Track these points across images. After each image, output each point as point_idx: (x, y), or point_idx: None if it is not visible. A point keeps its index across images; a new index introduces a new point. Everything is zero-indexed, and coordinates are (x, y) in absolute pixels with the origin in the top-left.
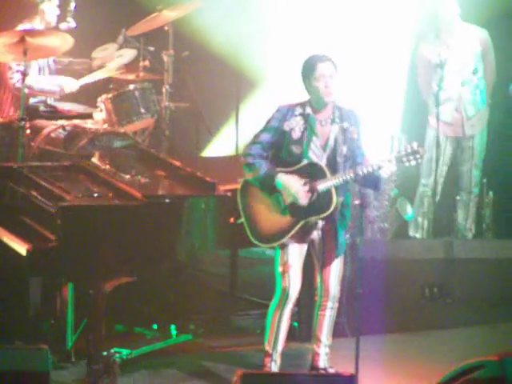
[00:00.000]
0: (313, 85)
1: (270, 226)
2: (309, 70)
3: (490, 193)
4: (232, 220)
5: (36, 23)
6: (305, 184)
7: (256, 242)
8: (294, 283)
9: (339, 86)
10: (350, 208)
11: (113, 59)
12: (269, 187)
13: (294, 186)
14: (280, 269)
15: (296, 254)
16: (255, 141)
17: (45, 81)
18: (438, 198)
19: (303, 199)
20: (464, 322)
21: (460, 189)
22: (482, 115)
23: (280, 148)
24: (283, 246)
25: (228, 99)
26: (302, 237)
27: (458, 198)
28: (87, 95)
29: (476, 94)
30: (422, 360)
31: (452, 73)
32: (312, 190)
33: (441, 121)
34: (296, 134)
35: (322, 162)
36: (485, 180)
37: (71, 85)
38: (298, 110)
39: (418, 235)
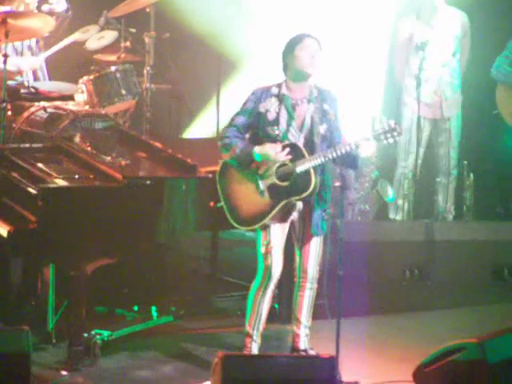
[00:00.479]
0: (297, 55)
1: (249, 209)
2: (295, 41)
3: (471, 175)
4: (212, 204)
5: (16, 7)
6: (282, 166)
7: (236, 225)
8: (276, 264)
9: (322, 65)
10: (329, 189)
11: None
12: (247, 163)
13: (270, 151)
14: (262, 250)
15: (278, 234)
16: (231, 124)
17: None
18: (415, 179)
19: (284, 158)
20: (444, 304)
21: (439, 171)
22: (458, 98)
23: (257, 130)
24: (265, 227)
25: (209, 81)
26: (282, 217)
27: (437, 180)
28: (69, 76)
29: (454, 77)
30: (403, 342)
31: (433, 54)
32: (290, 173)
33: (419, 101)
34: (271, 115)
35: (300, 143)
36: (465, 162)
37: (30, 63)
38: (273, 91)
39: (398, 217)
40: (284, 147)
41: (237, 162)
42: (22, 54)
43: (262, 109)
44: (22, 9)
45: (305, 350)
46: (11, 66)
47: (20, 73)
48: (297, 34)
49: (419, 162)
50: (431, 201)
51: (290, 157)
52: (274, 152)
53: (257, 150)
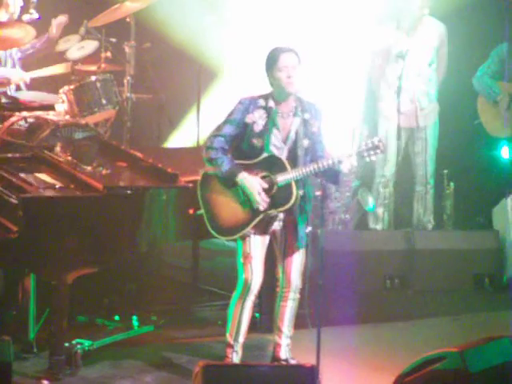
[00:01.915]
0: (275, 76)
1: (229, 219)
2: (272, 61)
3: (451, 184)
4: (191, 211)
5: (0, 15)
6: (264, 178)
7: (215, 235)
8: (255, 275)
9: (302, 78)
10: (310, 201)
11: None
12: (230, 184)
13: (254, 191)
14: (242, 260)
15: (258, 245)
16: (218, 133)
17: None
18: (394, 189)
19: (260, 206)
20: (425, 313)
21: (416, 181)
22: (435, 107)
23: (241, 140)
24: (245, 238)
25: (189, 90)
26: (263, 228)
27: (415, 189)
28: (49, 86)
29: (429, 86)
30: (384, 351)
31: (409, 63)
32: (271, 185)
33: (394, 110)
34: (258, 127)
35: (283, 155)
36: (446, 171)
37: (18, 76)
38: (261, 103)
39: (378, 227)
40: (267, 159)
41: (219, 178)
42: (5, 64)
43: (248, 120)
44: (6, 18)
45: (286, 360)
46: (0, 77)
47: (9, 83)
48: (273, 49)
49: (394, 170)
50: (410, 210)
51: (266, 203)
52: (257, 191)
53: (242, 176)
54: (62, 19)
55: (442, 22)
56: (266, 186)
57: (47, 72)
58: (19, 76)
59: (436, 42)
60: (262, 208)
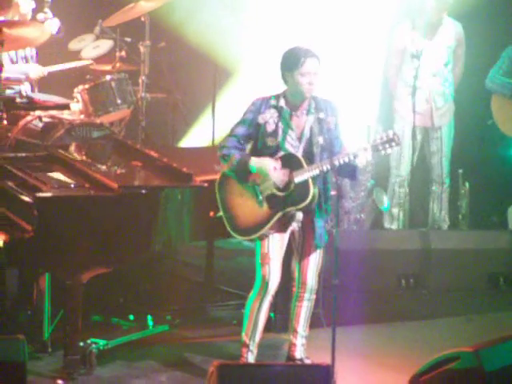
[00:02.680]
0: (296, 79)
1: (247, 219)
2: (294, 64)
3: (466, 183)
4: (211, 214)
5: (11, 16)
6: (281, 169)
7: (235, 235)
8: (273, 275)
9: (321, 83)
10: (330, 201)
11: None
12: (244, 174)
13: (269, 165)
14: (260, 260)
15: (276, 245)
16: (231, 134)
17: (9, 69)
18: (409, 188)
19: (278, 180)
20: (440, 313)
21: (431, 180)
22: (450, 107)
23: (256, 141)
24: (263, 238)
25: (204, 90)
26: (282, 228)
27: (430, 189)
28: (64, 86)
29: (445, 86)
30: (398, 351)
31: (425, 63)
32: (288, 183)
33: (409, 110)
34: (270, 127)
35: (299, 153)
36: (461, 171)
37: (37, 71)
38: (272, 102)
39: (393, 227)
40: (283, 157)
41: (234, 173)
42: (17, 63)
43: (261, 120)
44: (17, 18)
45: (301, 359)
46: (19, 73)
47: (28, 80)
48: (295, 49)
49: (410, 170)
50: (425, 210)
51: (286, 178)
52: (271, 167)
53: (253, 161)
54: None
55: (459, 22)
56: (278, 165)
57: (65, 66)
58: (38, 71)
59: (453, 42)
60: (279, 183)
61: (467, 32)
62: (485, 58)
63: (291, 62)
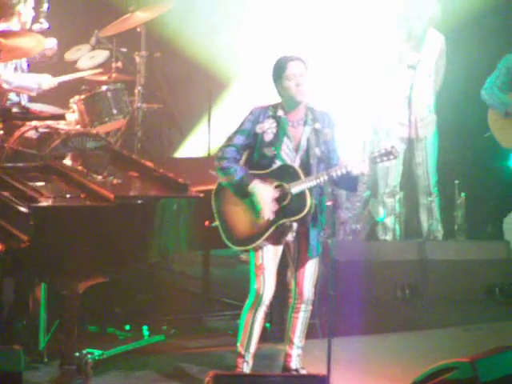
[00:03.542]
0: (284, 85)
1: (243, 229)
2: (279, 71)
3: (462, 194)
4: (207, 223)
5: (12, 24)
6: (277, 187)
7: (230, 245)
8: (268, 286)
9: (311, 85)
10: (325, 212)
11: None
12: (242, 192)
13: (263, 199)
14: (254, 271)
15: (271, 256)
16: (229, 143)
17: (23, 77)
18: (402, 199)
19: (265, 215)
20: (436, 324)
21: (419, 191)
22: (433, 118)
23: (253, 150)
24: (258, 248)
25: (200, 100)
26: (276, 239)
27: (419, 200)
28: (60, 96)
29: (429, 98)
30: (395, 361)
31: (416, 75)
32: (285, 194)
33: (396, 121)
34: (268, 137)
35: (295, 164)
36: (457, 181)
37: (49, 82)
38: (271, 112)
39: (387, 238)
40: (280, 168)
41: (233, 187)
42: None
43: (258, 130)
44: (18, 27)
45: (296, 370)
46: (32, 82)
47: (40, 89)
48: (278, 58)
49: (399, 181)
50: (419, 220)
51: (272, 214)
52: (267, 200)
53: (255, 188)
54: (51, 43)
55: (441, 33)
56: (277, 195)
57: (75, 76)
58: (50, 82)
59: (436, 53)
60: (265, 217)
61: (459, 44)
62: (477, 68)
63: (277, 71)
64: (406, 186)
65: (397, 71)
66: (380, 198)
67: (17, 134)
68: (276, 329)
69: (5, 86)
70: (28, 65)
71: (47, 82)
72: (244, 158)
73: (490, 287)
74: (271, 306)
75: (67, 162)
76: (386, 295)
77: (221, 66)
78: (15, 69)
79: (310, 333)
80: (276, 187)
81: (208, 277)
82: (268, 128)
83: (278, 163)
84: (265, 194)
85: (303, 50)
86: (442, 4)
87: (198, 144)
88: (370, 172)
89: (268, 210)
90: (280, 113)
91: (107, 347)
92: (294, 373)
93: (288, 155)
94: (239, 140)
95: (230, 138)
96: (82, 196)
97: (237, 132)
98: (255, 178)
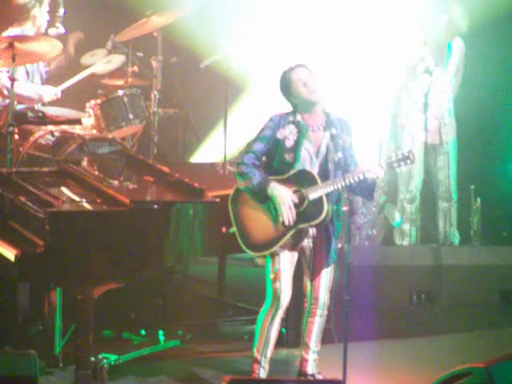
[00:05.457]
0: (294, 92)
1: (261, 235)
2: (286, 82)
3: (478, 199)
4: (224, 230)
5: (27, 28)
6: (295, 192)
7: (247, 251)
8: (285, 291)
9: (320, 85)
10: (341, 218)
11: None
12: (261, 196)
13: (283, 203)
14: (271, 276)
15: (287, 261)
16: (248, 150)
17: (25, 87)
18: (420, 205)
19: (286, 219)
20: (452, 329)
21: (439, 196)
22: (453, 123)
23: (273, 156)
24: (274, 254)
25: (216, 105)
26: (293, 245)
27: (439, 205)
28: (76, 100)
29: (450, 103)
30: (410, 366)
31: (435, 80)
32: (302, 199)
33: (419, 127)
34: (289, 142)
35: (314, 170)
36: (473, 187)
37: (51, 94)
38: (290, 118)
39: (404, 243)
40: (298, 173)
41: (252, 192)
42: (33, 78)
43: (279, 136)
44: (33, 31)
45: (312, 375)
46: (33, 92)
47: (41, 100)
48: (283, 71)
49: (421, 186)
50: (436, 226)
51: (293, 219)
52: (287, 204)
53: (274, 191)
54: (78, 36)
55: (460, 38)
56: (296, 200)
57: (73, 80)
58: (51, 93)
59: (456, 58)
60: (286, 222)
61: (477, 48)
62: (493, 74)
63: (284, 83)
64: (424, 191)
65: (418, 75)
66: (399, 203)
67: (32, 138)
68: (292, 334)
69: (5, 92)
70: (47, 75)
71: (48, 94)
72: (263, 163)
73: (505, 292)
74: (287, 311)
75: (83, 166)
76: (402, 300)
77: (237, 71)
78: (28, 74)
79: (326, 338)
80: (294, 192)
81: (224, 282)
82: (289, 134)
83: (296, 169)
84: (285, 195)
85: (321, 56)
86: (464, 9)
87: (214, 149)
88: (385, 176)
89: (288, 212)
90: (298, 118)
91: (122, 352)
92: (310, 378)
93: (307, 160)
94: (259, 147)
95: (249, 145)
96: (98, 201)
97: (256, 139)
98: (273, 182)
